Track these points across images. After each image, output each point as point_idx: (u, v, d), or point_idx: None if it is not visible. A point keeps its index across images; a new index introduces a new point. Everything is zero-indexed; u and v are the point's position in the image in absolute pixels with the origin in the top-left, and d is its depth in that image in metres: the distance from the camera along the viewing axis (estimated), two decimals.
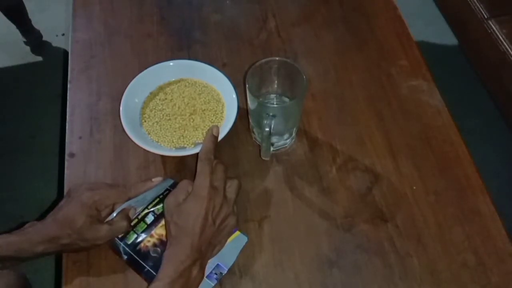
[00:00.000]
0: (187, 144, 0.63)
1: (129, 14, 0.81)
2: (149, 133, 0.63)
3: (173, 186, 0.58)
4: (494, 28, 1.37)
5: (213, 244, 0.53)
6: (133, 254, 0.55)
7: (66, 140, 0.67)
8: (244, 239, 0.57)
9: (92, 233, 0.53)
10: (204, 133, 0.63)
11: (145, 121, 0.64)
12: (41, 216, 0.55)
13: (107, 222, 0.55)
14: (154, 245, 0.56)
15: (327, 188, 0.63)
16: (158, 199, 0.58)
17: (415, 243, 0.59)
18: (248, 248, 0.58)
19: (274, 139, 0.63)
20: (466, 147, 0.66)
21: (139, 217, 0.57)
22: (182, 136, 0.63)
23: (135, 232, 0.56)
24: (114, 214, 0.56)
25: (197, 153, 0.59)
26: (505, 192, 1.36)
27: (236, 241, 0.57)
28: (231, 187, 0.56)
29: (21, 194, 1.43)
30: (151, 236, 0.56)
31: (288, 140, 0.65)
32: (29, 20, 1.70)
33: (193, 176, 0.61)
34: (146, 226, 0.57)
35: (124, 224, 0.55)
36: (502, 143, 1.50)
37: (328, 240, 0.59)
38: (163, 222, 0.56)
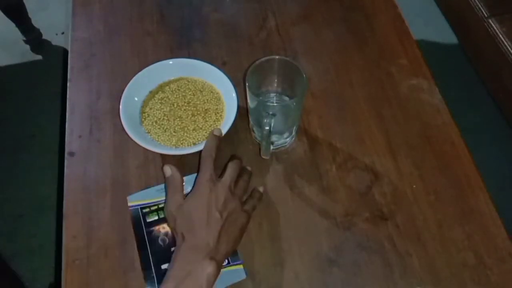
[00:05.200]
0: (187, 143, 0.63)
1: (129, 12, 0.81)
2: (149, 132, 0.63)
3: None
4: (494, 27, 1.37)
5: (224, 239, 0.50)
6: (144, 232, 0.55)
7: (66, 139, 0.67)
8: (242, 275, 0.55)
9: None
10: (204, 132, 0.63)
11: (145, 120, 0.64)
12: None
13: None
14: (166, 234, 0.56)
15: (327, 187, 0.63)
16: None
17: (415, 242, 0.59)
18: (248, 247, 0.58)
19: (274, 138, 0.63)
20: (466, 146, 0.66)
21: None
22: (182, 135, 0.63)
23: (157, 214, 0.57)
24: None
25: (197, 152, 0.59)
26: (505, 192, 1.35)
27: (233, 272, 0.54)
28: (238, 185, 0.57)
29: (21, 193, 1.43)
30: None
31: (288, 139, 0.65)
32: (29, 19, 1.70)
33: None
34: None
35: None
36: (502, 142, 1.50)
37: (328, 239, 0.59)
38: None
